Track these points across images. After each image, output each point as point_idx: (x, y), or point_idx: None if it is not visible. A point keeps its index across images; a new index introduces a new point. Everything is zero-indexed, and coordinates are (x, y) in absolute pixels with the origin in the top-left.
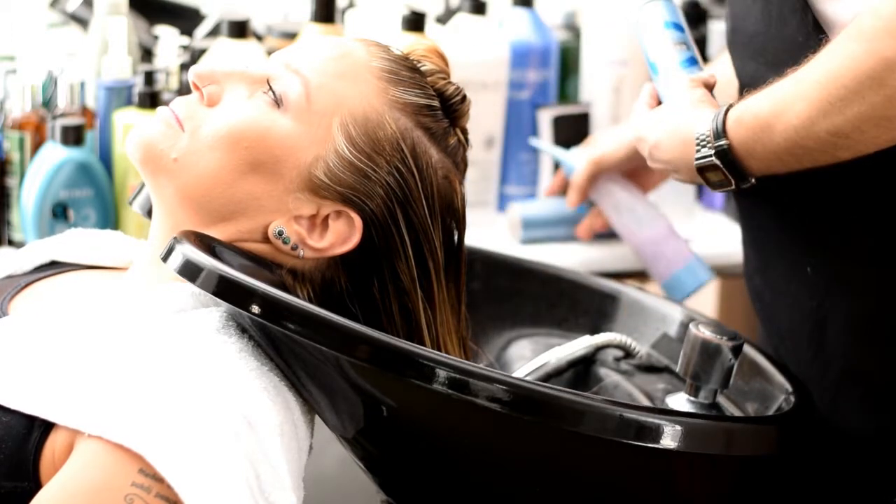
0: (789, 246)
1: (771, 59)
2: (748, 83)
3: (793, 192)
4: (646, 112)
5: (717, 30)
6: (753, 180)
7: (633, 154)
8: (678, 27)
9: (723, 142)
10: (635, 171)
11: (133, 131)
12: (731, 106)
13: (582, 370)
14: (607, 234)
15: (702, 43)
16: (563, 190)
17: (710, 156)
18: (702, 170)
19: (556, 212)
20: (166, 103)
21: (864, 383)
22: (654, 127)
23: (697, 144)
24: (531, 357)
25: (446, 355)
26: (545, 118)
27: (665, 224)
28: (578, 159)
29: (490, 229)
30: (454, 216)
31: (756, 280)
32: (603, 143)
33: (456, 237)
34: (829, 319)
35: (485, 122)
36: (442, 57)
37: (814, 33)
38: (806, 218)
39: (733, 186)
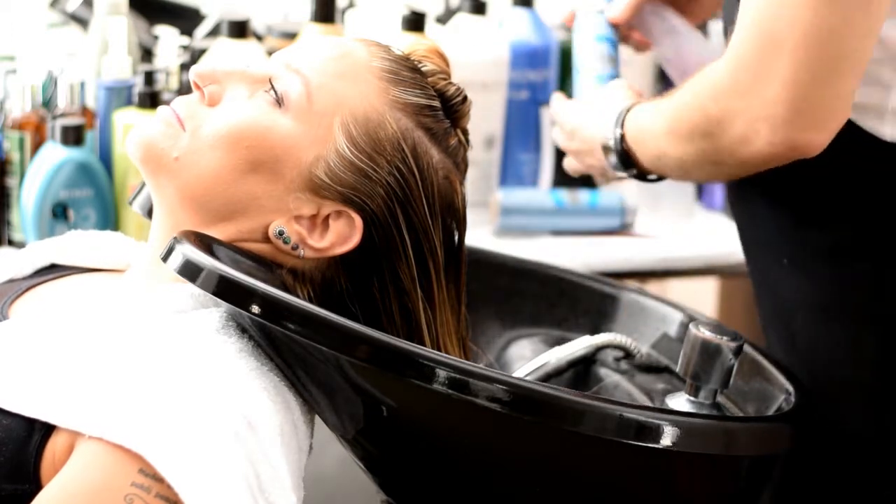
0: (768, 237)
1: None
2: None
3: (779, 185)
4: (566, 104)
5: (717, 30)
6: (653, 177)
7: None
8: (611, 42)
9: (619, 130)
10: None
11: (133, 131)
12: (636, 103)
13: (582, 370)
14: (607, 232)
15: None
16: None
17: (610, 140)
18: (605, 149)
19: (537, 202)
20: (166, 103)
21: (826, 377)
22: (579, 111)
23: (605, 127)
24: (531, 357)
25: (446, 355)
26: (548, 116)
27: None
28: None
29: (490, 229)
30: (455, 216)
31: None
32: None
33: (456, 237)
34: (796, 311)
35: (485, 122)
36: (443, 57)
37: None
38: (789, 210)
39: (623, 174)
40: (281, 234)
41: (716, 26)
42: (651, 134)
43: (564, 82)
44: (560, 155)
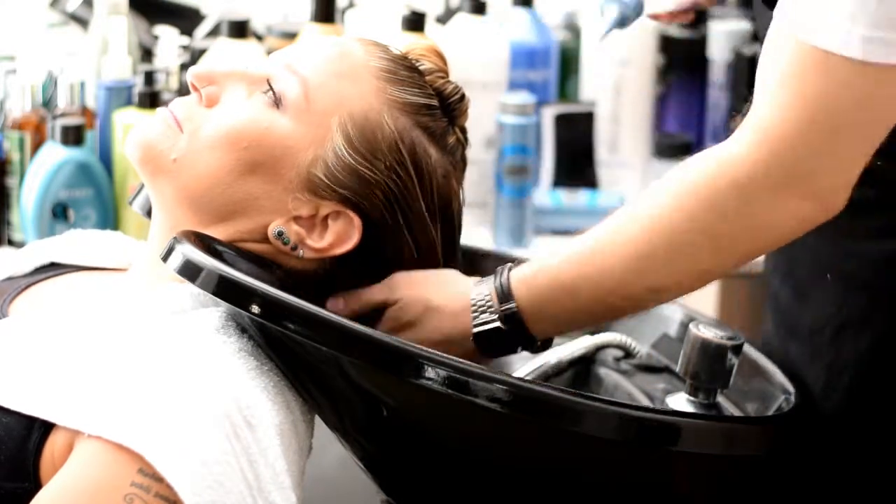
0: (815, 250)
1: None
2: None
3: None
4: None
5: (717, 30)
6: (539, 343)
7: None
8: None
9: (511, 305)
10: None
11: (132, 132)
12: (510, 268)
13: (582, 370)
14: None
15: (702, 43)
16: None
17: (494, 320)
18: (480, 337)
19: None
20: (166, 103)
21: (877, 391)
22: (424, 292)
23: (475, 310)
24: (531, 357)
25: (446, 355)
26: (548, 116)
27: None
28: None
29: (490, 229)
30: (452, 215)
31: (775, 280)
32: None
33: (452, 237)
34: (846, 325)
35: (485, 122)
36: (440, 56)
37: None
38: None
39: (511, 352)
40: (280, 234)
41: (716, 26)
42: (592, 280)
43: (564, 82)
44: (561, 156)
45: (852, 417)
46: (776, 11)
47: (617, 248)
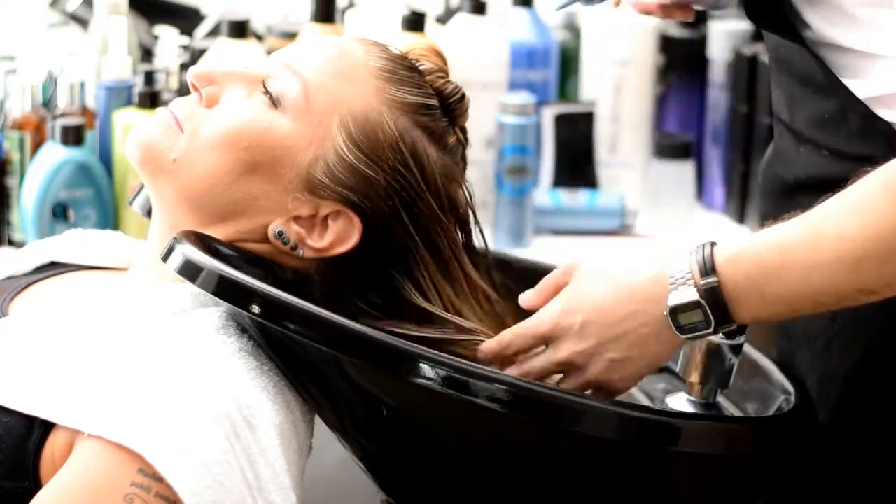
0: None
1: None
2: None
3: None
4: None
5: (717, 30)
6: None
7: None
8: None
9: (712, 279)
10: None
11: (132, 132)
12: (712, 244)
13: None
14: (607, 233)
15: (702, 43)
16: None
17: (695, 295)
18: (676, 311)
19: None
20: (166, 103)
21: (864, 405)
22: (590, 289)
23: (673, 283)
24: None
25: (446, 355)
26: (548, 116)
27: None
28: None
29: (490, 229)
30: (459, 211)
31: None
32: None
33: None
34: (836, 337)
35: (485, 122)
36: (440, 56)
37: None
38: None
39: (707, 331)
40: (280, 234)
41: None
42: (797, 270)
43: (564, 82)
44: (561, 156)
45: (840, 430)
46: None
47: (828, 244)
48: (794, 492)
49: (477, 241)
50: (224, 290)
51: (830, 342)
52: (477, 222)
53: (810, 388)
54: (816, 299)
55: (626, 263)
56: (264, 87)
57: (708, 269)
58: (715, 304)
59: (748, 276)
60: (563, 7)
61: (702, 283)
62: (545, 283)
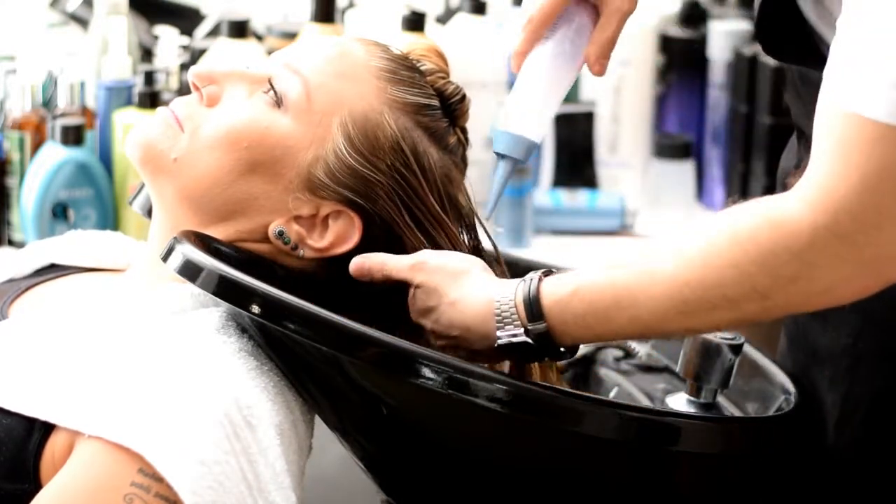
0: None
1: None
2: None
3: None
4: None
5: (717, 30)
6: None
7: None
8: None
9: (541, 325)
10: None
11: (133, 132)
12: (539, 279)
13: (582, 370)
14: (607, 233)
15: (702, 43)
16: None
17: (521, 334)
18: (504, 345)
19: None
20: (166, 103)
21: (891, 432)
22: (440, 283)
23: (500, 320)
24: None
25: (446, 355)
26: None
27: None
28: None
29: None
30: (461, 212)
31: None
32: None
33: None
34: (863, 359)
35: (485, 121)
36: (441, 56)
37: None
38: None
39: (537, 359)
40: (281, 234)
41: (716, 26)
42: (628, 312)
43: None
44: (561, 156)
45: (864, 454)
46: (824, 76)
47: (661, 289)
48: (794, 491)
49: (484, 243)
50: (224, 290)
51: (857, 363)
52: (482, 223)
53: (831, 407)
54: (643, 333)
55: (462, 286)
56: (270, 85)
57: (535, 313)
58: (539, 339)
59: (576, 315)
60: (492, 210)
61: (530, 326)
62: (388, 272)
